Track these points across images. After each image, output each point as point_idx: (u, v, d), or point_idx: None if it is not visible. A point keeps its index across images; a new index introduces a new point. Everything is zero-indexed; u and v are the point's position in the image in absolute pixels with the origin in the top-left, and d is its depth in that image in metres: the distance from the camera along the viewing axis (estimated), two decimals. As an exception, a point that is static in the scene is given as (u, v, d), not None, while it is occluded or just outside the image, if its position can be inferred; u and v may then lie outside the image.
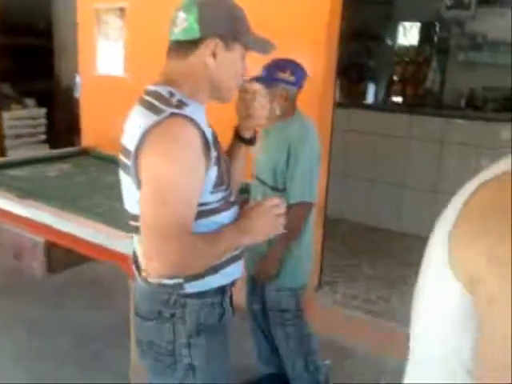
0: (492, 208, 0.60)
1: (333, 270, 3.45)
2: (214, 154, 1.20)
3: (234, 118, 1.44)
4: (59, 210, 2.34)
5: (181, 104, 1.17)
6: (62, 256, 2.59)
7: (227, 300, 1.37)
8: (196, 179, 1.16)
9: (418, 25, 6.87)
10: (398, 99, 6.30)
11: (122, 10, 3.45)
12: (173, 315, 1.29)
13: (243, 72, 1.31)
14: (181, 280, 1.27)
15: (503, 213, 0.58)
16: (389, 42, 7.09)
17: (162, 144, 1.13)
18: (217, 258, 1.26)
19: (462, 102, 5.67)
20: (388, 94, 6.49)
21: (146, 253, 1.16)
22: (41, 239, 2.58)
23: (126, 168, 1.22)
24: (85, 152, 3.60)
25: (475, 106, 5.57)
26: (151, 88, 1.24)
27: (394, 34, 7.17)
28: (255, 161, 2.19)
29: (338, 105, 3.89)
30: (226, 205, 1.29)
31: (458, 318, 0.64)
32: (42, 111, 5.62)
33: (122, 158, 1.25)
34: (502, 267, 0.56)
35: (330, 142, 2.93)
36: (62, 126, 5.79)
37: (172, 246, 1.12)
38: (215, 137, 1.27)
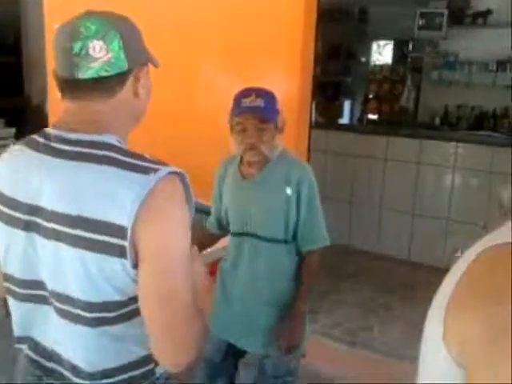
0: (487, 279, 0.57)
1: (313, 296, 3.35)
2: (192, 208, 1.03)
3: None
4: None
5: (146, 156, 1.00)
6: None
7: None
8: None
9: (391, 43, 6.96)
10: (373, 117, 6.33)
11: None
12: None
13: None
14: (151, 366, 1.06)
15: (497, 285, 0.55)
16: (363, 60, 7.15)
17: (168, 211, 0.94)
18: None
19: (437, 120, 5.72)
20: (364, 112, 6.50)
21: (166, 341, 0.96)
22: None
23: (90, 244, 0.93)
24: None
25: (449, 123, 5.63)
26: (82, 137, 0.97)
27: (368, 52, 7.24)
28: (232, 213, 1.88)
29: (315, 125, 3.87)
30: None
31: None
32: (12, 131, 5.44)
33: (78, 232, 0.93)
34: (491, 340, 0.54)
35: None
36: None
37: (196, 324, 0.97)
38: None
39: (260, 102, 1.73)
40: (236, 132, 1.77)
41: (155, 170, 0.93)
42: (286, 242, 1.82)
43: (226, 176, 1.92)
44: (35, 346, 1.07)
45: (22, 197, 0.99)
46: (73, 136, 0.98)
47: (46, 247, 0.98)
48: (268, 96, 1.77)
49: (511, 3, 4.55)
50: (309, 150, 2.83)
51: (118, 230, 0.91)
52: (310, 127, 2.81)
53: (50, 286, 1.00)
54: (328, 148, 4.35)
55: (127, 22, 1.04)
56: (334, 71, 6.79)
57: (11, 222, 1.00)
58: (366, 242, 4.29)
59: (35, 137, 1.03)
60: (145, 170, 0.93)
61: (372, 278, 3.77)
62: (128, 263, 0.92)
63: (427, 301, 0.68)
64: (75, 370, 1.02)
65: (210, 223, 2.03)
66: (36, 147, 1.01)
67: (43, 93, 5.06)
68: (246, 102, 1.73)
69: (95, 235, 0.92)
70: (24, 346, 1.09)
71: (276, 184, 1.81)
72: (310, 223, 1.82)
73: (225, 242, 2.04)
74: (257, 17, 2.66)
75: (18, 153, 1.04)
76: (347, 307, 3.31)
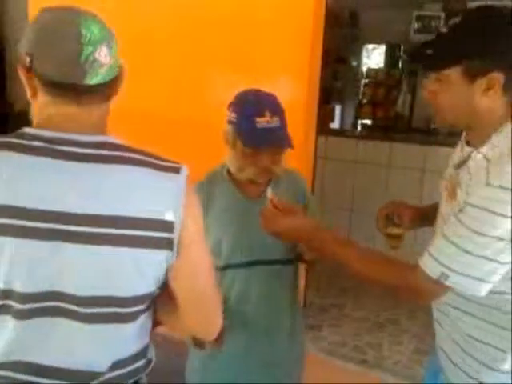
0: None
1: (316, 311, 3.20)
2: None
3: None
4: None
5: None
6: None
7: None
8: None
9: (383, 47, 6.87)
10: (367, 122, 6.22)
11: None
12: None
13: None
14: (150, 355, 1.15)
15: None
16: (354, 64, 7.06)
17: (197, 202, 1.08)
18: None
19: (433, 125, 5.62)
20: (358, 117, 6.40)
21: (205, 315, 1.13)
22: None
23: (139, 241, 0.97)
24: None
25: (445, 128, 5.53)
26: (95, 139, 0.98)
27: (359, 56, 7.15)
28: (235, 241, 1.58)
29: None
30: None
31: None
32: (-8, 137, 5.19)
33: (124, 232, 0.95)
34: None
35: (313, 171, 2.71)
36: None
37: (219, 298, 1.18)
38: None
39: (277, 122, 1.44)
40: (245, 153, 1.49)
41: (181, 169, 1.02)
42: (295, 260, 1.65)
43: (212, 201, 1.59)
44: (22, 367, 1.00)
45: (35, 204, 0.92)
46: (83, 138, 0.97)
47: (77, 252, 0.94)
48: (279, 108, 1.48)
49: None
50: (315, 157, 2.68)
51: (167, 226, 0.98)
52: (317, 134, 2.65)
53: (78, 292, 0.96)
54: (327, 154, 4.20)
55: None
56: (324, 75, 6.67)
57: (22, 233, 0.92)
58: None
59: (18, 140, 0.95)
60: (173, 170, 1.02)
61: (377, 291, 3.60)
62: (173, 254, 1.00)
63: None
64: (83, 376, 1.02)
65: None
66: (31, 151, 0.94)
67: (26, 99, 4.83)
68: (262, 122, 1.43)
69: (144, 232, 0.97)
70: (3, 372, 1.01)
71: (287, 200, 1.56)
72: None
73: None
74: (264, 21, 2.55)
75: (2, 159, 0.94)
76: (353, 323, 3.15)
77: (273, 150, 1.48)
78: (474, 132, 1.22)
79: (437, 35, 1.20)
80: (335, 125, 6.96)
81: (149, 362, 1.14)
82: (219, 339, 1.59)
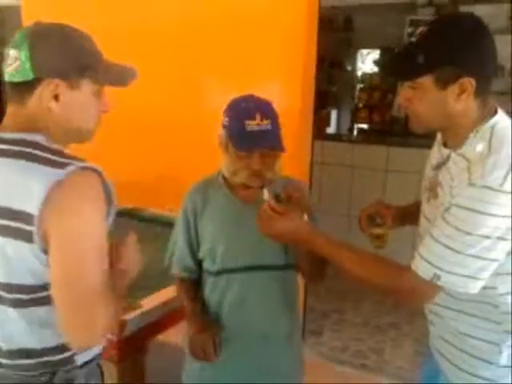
0: None
1: (316, 316, 3.19)
2: (112, 207, 1.12)
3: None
4: None
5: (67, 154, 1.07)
6: None
7: None
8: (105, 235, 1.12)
9: (378, 52, 6.90)
10: (363, 126, 6.23)
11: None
12: None
13: (104, 108, 1.19)
14: (69, 353, 1.15)
15: None
16: (349, 69, 7.08)
17: (78, 202, 1.03)
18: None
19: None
20: (354, 121, 6.41)
21: (73, 323, 1.05)
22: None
23: (2, 230, 1.04)
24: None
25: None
26: (14, 136, 1.08)
27: (354, 61, 7.18)
28: (233, 246, 1.56)
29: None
30: None
31: None
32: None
33: None
34: None
35: (310, 177, 2.71)
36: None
37: (104, 309, 1.06)
38: None
39: (267, 125, 1.43)
40: (237, 157, 1.48)
41: (68, 165, 1.02)
42: (285, 267, 1.60)
43: (208, 205, 1.60)
44: None
45: None
46: (3, 136, 1.08)
47: None
48: (272, 113, 1.47)
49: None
50: (312, 162, 2.68)
51: (26, 217, 1.00)
52: (313, 139, 2.65)
53: None
54: (324, 159, 4.20)
55: (50, 34, 1.08)
56: (319, 80, 6.68)
57: None
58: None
59: None
60: (58, 165, 1.02)
61: (376, 296, 3.60)
62: (36, 248, 1.02)
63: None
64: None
65: (185, 268, 1.64)
66: None
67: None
68: (252, 125, 1.42)
69: (4, 221, 1.03)
70: None
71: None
72: None
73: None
74: (258, 26, 2.54)
75: None
76: (354, 327, 3.15)
77: (264, 153, 1.46)
78: (450, 134, 1.24)
79: (407, 45, 1.22)
80: (331, 129, 6.98)
81: (67, 361, 1.15)
82: (212, 353, 1.57)
